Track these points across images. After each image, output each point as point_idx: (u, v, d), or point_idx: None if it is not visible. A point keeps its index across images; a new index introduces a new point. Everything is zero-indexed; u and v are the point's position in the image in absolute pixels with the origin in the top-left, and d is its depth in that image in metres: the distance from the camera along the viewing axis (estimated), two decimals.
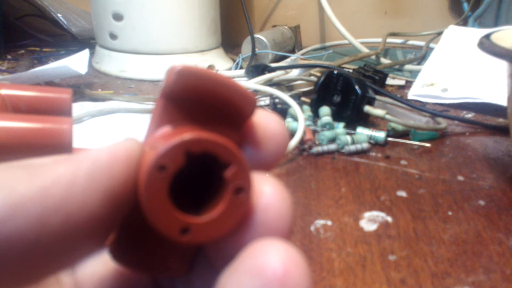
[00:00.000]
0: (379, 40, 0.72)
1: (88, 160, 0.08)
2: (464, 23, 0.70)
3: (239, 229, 0.09)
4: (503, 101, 0.45)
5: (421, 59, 0.64)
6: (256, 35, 0.64)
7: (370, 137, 0.40)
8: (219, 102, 0.10)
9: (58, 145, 0.22)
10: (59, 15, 0.72)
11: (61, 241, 0.08)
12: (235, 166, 0.09)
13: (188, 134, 0.09)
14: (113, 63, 0.61)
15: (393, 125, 0.41)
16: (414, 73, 0.59)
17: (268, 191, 0.09)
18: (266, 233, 0.09)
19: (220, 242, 0.09)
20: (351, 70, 0.53)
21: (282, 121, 0.11)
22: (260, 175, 0.10)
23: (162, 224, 0.09)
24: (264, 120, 0.11)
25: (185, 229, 0.09)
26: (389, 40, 0.73)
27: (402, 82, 0.57)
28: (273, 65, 0.54)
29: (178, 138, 0.09)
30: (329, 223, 0.29)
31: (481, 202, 0.31)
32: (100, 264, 0.11)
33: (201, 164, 0.09)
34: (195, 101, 0.10)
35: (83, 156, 0.08)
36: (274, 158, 0.11)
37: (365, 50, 0.67)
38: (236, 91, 0.10)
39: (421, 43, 0.72)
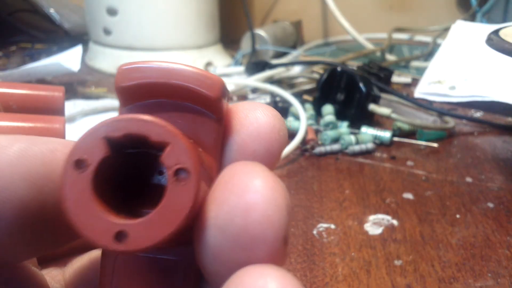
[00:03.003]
0: (384, 35, 0.71)
1: (30, 138, 0.08)
2: (472, 18, 0.68)
3: (192, 225, 0.08)
4: None
5: (427, 56, 0.64)
6: (256, 31, 0.64)
7: (375, 137, 0.39)
8: (174, 91, 0.09)
9: None
10: (51, 10, 0.72)
11: None
12: (171, 144, 0.07)
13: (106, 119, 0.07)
14: (107, 60, 0.60)
15: (399, 124, 0.40)
16: (421, 70, 0.58)
17: (254, 187, 0.07)
18: (248, 245, 0.07)
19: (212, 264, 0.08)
20: (355, 67, 0.52)
21: (278, 114, 0.10)
22: (244, 165, 0.08)
23: (90, 231, 0.07)
24: (252, 115, 0.09)
25: (121, 234, 0.07)
26: (395, 35, 0.72)
27: (408, 80, 0.57)
28: (274, 61, 0.53)
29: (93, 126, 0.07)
30: (333, 226, 0.28)
31: (490, 205, 0.30)
32: (87, 262, 0.11)
33: (139, 158, 0.08)
34: (149, 97, 0.09)
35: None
36: (266, 157, 0.09)
37: (369, 46, 0.66)
38: (188, 75, 0.09)
39: (428, 39, 0.71)
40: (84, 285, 0.10)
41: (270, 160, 0.09)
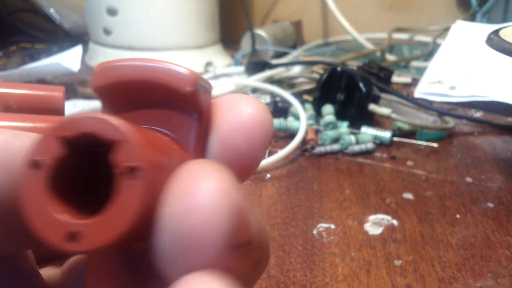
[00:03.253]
0: (384, 35, 0.71)
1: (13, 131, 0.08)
2: (472, 18, 0.68)
3: (148, 225, 0.07)
4: None
5: (427, 56, 0.64)
6: (256, 31, 0.64)
7: (375, 137, 0.39)
8: (150, 88, 0.09)
9: None
10: (51, 10, 0.72)
11: None
12: (123, 142, 0.07)
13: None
14: (107, 60, 0.60)
15: (399, 124, 0.40)
16: (421, 70, 0.58)
17: (201, 189, 0.07)
18: (194, 250, 0.07)
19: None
20: (355, 67, 0.52)
21: (262, 106, 0.09)
22: (198, 165, 0.07)
23: (42, 231, 0.07)
24: (234, 108, 0.09)
25: (74, 234, 0.07)
26: (395, 35, 0.72)
27: (408, 80, 0.57)
28: (274, 61, 0.53)
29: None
30: (333, 226, 0.28)
31: (490, 205, 0.30)
32: (82, 261, 0.11)
33: (100, 157, 0.08)
34: (127, 95, 0.09)
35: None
36: (249, 151, 0.08)
37: (369, 46, 0.66)
38: (161, 71, 0.08)
39: (428, 39, 0.71)
40: (78, 284, 0.10)
41: (254, 154, 0.09)
